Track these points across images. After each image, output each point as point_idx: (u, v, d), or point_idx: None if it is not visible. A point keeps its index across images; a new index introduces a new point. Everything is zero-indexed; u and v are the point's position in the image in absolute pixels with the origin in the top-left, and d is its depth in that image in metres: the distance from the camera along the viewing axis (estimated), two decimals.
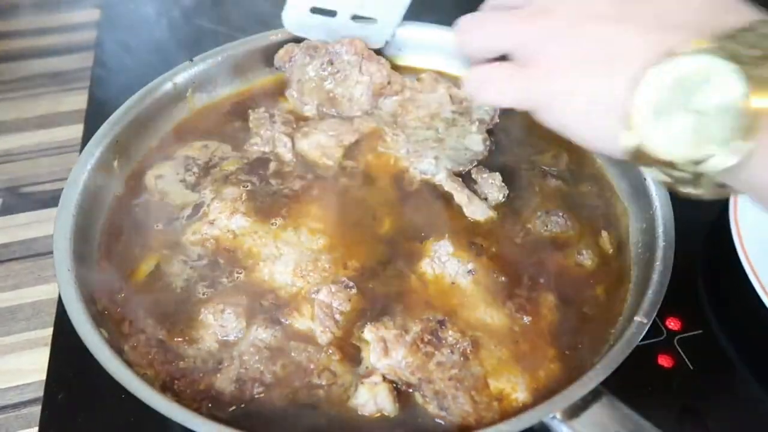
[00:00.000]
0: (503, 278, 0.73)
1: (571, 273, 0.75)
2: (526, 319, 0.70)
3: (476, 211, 0.80)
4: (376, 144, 0.88)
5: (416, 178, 0.84)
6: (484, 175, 0.83)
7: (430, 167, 0.84)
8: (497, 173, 0.83)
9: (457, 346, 0.66)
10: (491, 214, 0.80)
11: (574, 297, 0.73)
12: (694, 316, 0.83)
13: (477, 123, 0.90)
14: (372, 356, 0.66)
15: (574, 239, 0.78)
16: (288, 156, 0.86)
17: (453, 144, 0.88)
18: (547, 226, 0.79)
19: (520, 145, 0.90)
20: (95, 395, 0.73)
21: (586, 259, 0.76)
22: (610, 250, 0.78)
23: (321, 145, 0.87)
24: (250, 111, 0.91)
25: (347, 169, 0.85)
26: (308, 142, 0.87)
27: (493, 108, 0.92)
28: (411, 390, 0.64)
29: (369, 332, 0.67)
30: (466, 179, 0.84)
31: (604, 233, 0.79)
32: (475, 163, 0.86)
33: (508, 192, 0.82)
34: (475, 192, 0.82)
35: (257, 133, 0.89)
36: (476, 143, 0.88)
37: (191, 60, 0.93)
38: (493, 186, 0.82)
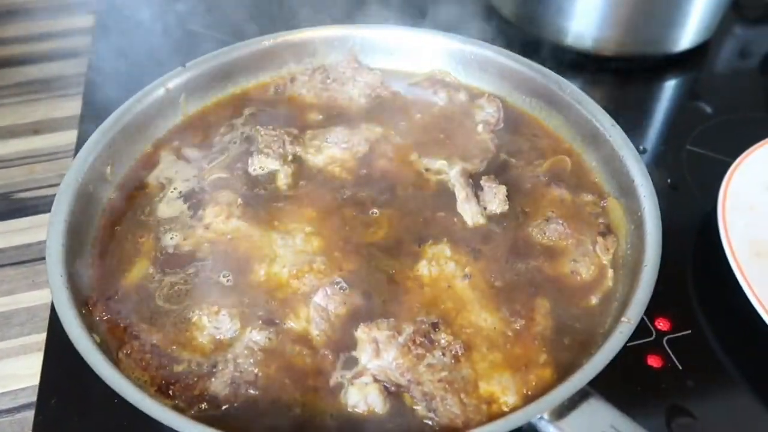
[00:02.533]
0: (499, 283, 0.74)
1: (567, 279, 0.75)
2: (520, 323, 0.70)
3: (469, 211, 0.80)
4: (386, 149, 0.90)
5: (431, 179, 0.86)
6: (491, 185, 0.83)
7: (442, 166, 0.87)
8: (503, 186, 0.82)
9: (449, 348, 0.67)
10: (481, 221, 0.80)
11: (570, 303, 0.73)
12: (683, 317, 0.84)
13: (482, 124, 0.93)
14: (363, 356, 0.66)
15: (572, 246, 0.78)
16: (302, 172, 0.87)
17: (463, 143, 0.91)
18: (545, 233, 0.79)
19: (525, 152, 0.91)
20: (88, 400, 0.73)
21: (583, 266, 0.76)
22: (607, 258, 0.77)
23: (336, 158, 0.88)
24: (258, 127, 0.90)
25: (358, 176, 0.86)
26: (323, 158, 0.88)
27: (496, 109, 0.94)
28: (401, 391, 0.65)
29: (362, 332, 0.68)
30: (474, 184, 0.84)
31: (600, 240, 0.78)
32: (485, 163, 0.88)
33: (507, 208, 0.82)
34: (477, 198, 0.82)
35: (268, 149, 0.87)
36: (483, 143, 0.91)
37: (184, 65, 0.94)
38: (496, 198, 0.82)
